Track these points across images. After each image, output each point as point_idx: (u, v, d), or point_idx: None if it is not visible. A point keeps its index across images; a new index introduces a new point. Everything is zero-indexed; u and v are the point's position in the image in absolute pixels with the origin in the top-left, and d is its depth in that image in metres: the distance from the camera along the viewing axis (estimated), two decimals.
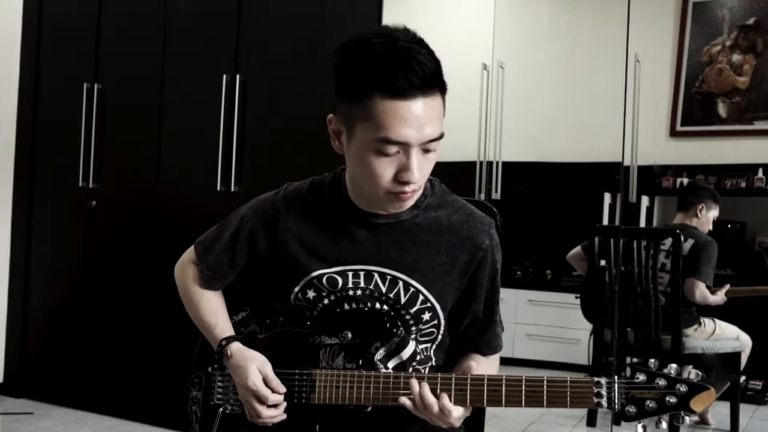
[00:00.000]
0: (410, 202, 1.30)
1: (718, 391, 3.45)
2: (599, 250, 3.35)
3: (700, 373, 1.16)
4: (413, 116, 1.17)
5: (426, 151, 1.22)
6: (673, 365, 1.16)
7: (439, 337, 1.38)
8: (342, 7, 2.92)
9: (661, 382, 1.15)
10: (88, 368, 3.46)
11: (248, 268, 1.45)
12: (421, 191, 1.34)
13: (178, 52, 3.27)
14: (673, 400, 1.14)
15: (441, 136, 1.22)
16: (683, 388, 1.15)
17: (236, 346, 1.36)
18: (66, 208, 3.55)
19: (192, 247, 1.51)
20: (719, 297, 3.37)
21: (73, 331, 3.52)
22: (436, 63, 1.20)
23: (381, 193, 1.25)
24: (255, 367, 1.32)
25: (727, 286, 3.39)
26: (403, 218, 1.34)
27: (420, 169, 1.22)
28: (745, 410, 3.54)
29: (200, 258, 1.47)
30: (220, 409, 1.39)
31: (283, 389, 1.31)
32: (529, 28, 3.90)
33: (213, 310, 1.44)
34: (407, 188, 1.23)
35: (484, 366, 1.38)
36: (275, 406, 1.31)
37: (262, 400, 1.30)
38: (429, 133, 1.19)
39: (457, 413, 1.23)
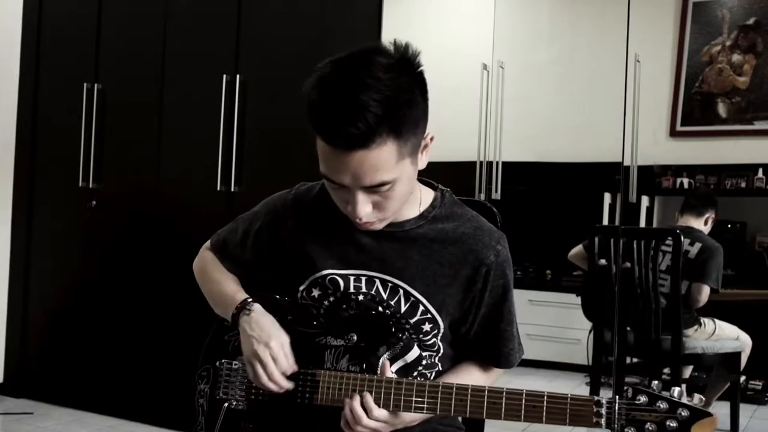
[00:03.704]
0: (380, 226, 1.28)
1: (718, 392, 3.46)
2: (599, 250, 3.35)
3: (703, 399, 1.14)
4: (348, 167, 1.15)
5: (377, 191, 1.19)
6: (677, 388, 1.14)
7: (442, 348, 1.37)
8: (342, 7, 2.92)
9: (663, 405, 1.12)
10: (88, 368, 3.46)
11: (258, 265, 1.45)
12: (424, 206, 1.34)
13: (178, 52, 3.27)
14: (673, 424, 1.12)
15: (385, 183, 1.18)
16: (685, 413, 1.11)
17: (260, 308, 1.36)
18: (66, 208, 3.55)
19: (208, 242, 1.53)
20: None
21: (73, 332, 3.52)
22: (389, 110, 1.12)
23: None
24: (281, 332, 1.31)
25: None
26: (408, 228, 1.33)
27: (368, 206, 1.21)
28: (745, 410, 3.54)
29: (215, 249, 1.50)
30: (225, 404, 1.39)
31: (295, 366, 1.30)
32: (529, 28, 3.91)
33: (233, 282, 1.45)
34: (358, 221, 1.23)
35: (473, 377, 1.37)
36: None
37: (275, 360, 1.28)
38: (367, 181, 1.16)
39: (380, 414, 1.22)
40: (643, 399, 1.14)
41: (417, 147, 1.22)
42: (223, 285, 1.45)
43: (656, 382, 1.15)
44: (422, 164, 1.27)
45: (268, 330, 1.31)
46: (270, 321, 1.33)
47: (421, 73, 1.21)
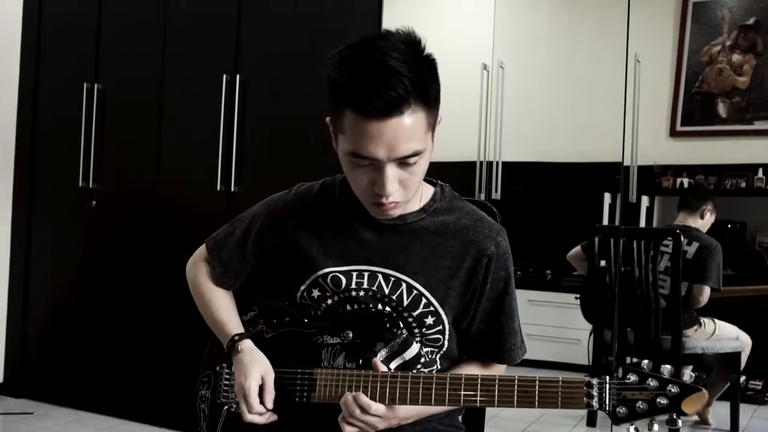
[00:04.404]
0: (397, 211, 1.29)
1: (718, 392, 3.45)
2: (599, 251, 3.35)
3: (694, 375, 1.14)
4: (383, 136, 1.16)
5: (406, 164, 1.21)
6: (667, 366, 1.14)
7: (446, 344, 1.37)
8: (342, 7, 2.92)
9: (652, 383, 1.14)
10: (88, 368, 3.46)
11: (258, 267, 1.46)
12: (425, 200, 1.35)
13: (178, 52, 3.27)
14: (664, 401, 1.13)
15: (417, 153, 1.20)
16: (674, 389, 1.13)
17: (248, 344, 1.37)
18: (66, 208, 3.55)
19: (204, 244, 1.52)
20: None
21: (73, 331, 3.52)
22: (417, 78, 1.15)
23: (364, 201, 1.28)
24: (258, 372, 1.31)
25: None
26: (410, 221, 1.35)
27: (395, 183, 1.21)
28: (745, 410, 3.54)
29: (211, 254, 1.48)
30: (225, 408, 1.39)
31: (270, 405, 1.31)
32: (529, 28, 3.90)
33: (224, 308, 1.45)
34: (383, 200, 1.23)
35: (473, 372, 1.36)
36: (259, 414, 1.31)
37: (247, 404, 1.30)
38: (402, 151, 1.18)
39: (378, 409, 1.23)
40: (633, 378, 1.15)
41: (435, 123, 1.25)
42: (215, 310, 1.44)
43: (646, 361, 1.16)
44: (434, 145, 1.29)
45: (246, 371, 1.31)
46: (252, 360, 1.33)
47: (431, 54, 1.23)
